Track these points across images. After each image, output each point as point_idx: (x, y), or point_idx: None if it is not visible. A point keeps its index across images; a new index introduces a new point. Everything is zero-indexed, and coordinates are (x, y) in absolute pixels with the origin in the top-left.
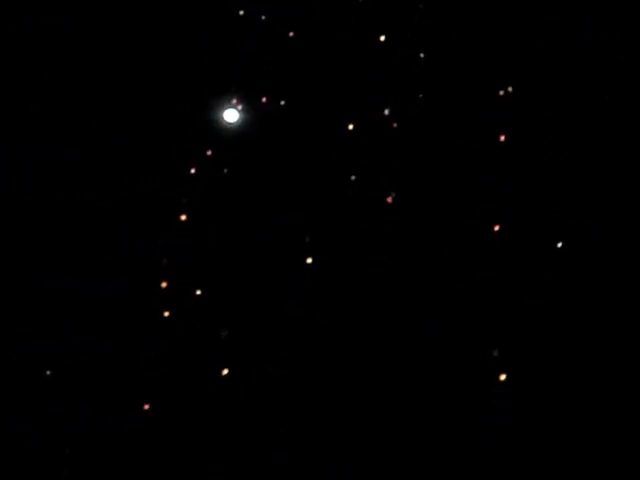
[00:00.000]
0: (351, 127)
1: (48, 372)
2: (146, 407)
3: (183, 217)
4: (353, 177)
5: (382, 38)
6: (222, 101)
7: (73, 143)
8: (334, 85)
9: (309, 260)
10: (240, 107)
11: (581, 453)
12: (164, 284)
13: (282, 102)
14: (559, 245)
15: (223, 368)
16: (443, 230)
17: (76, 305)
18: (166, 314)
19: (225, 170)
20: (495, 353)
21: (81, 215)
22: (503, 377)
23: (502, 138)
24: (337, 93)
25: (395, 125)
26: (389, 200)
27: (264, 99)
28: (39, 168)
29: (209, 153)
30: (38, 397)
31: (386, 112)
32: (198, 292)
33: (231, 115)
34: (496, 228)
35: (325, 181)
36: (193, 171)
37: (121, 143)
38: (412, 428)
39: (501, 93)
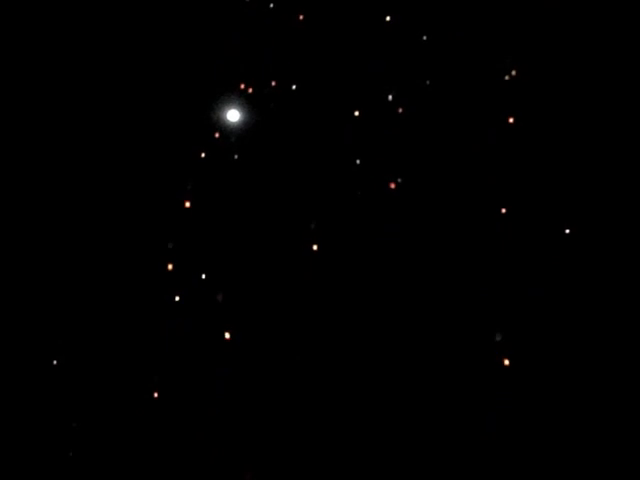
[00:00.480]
0: (357, 113)
1: (55, 362)
2: (155, 395)
3: (187, 204)
4: (358, 161)
5: (387, 18)
6: (229, 87)
7: (77, 138)
8: (339, 71)
9: (315, 247)
10: (250, 91)
11: (584, 438)
12: (170, 267)
13: (290, 88)
14: (567, 231)
15: (227, 355)
16: (447, 216)
17: (80, 293)
18: (169, 298)
19: (230, 156)
20: (498, 338)
21: (86, 206)
22: (507, 362)
23: (510, 120)
24: (342, 79)
25: (400, 110)
26: (392, 186)
27: (273, 83)
28: (43, 156)
29: (216, 137)
30: (45, 384)
31: (390, 97)
32: (203, 276)
33: (234, 115)
34: (503, 211)
35: (330, 168)
36: (201, 156)
37: (127, 132)
38: (415, 413)
39: (506, 78)
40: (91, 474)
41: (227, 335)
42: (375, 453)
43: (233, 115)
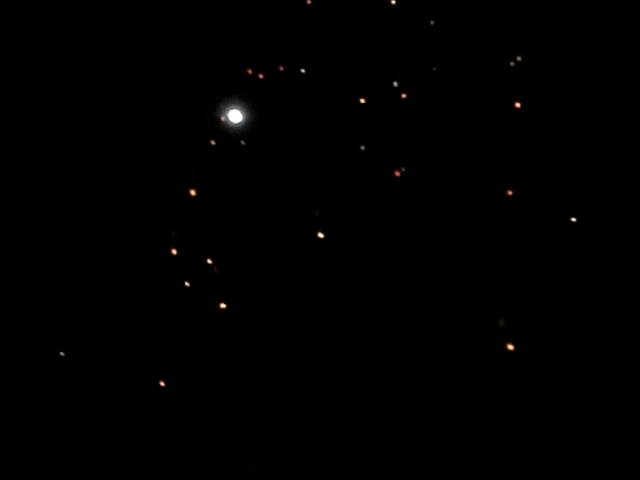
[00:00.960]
0: (363, 101)
1: (62, 353)
2: (162, 384)
3: (192, 192)
4: (362, 147)
5: (392, 2)
6: (235, 73)
7: (84, 126)
8: (345, 58)
9: (320, 235)
10: (256, 76)
11: (587, 423)
12: (174, 252)
13: (295, 74)
14: (573, 220)
15: (232, 341)
16: (451, 201)
17: (85, 282)
18: (174, 283)
19: (236, 142)
20: (502, 323)
21: (93, 195)
22: (511, 347)
23: (517, 105)
24: (347, 65)
25: (404, 96)
26: (397, 174)
27: (281, 68)
28: (47, 144)
29: (221, 122)
30: (52, 374)
31: (395, 84)
32: (209, 261)
33: (240, 101)
34: (509, 194)
35: (335, 156)
36: (207, 142)
37: (133, 120)
38: (418, 397)
39: (512, 64)
40: (97, 462)
41: (224, 306)
42: (377, 432)
43: (239, 101)
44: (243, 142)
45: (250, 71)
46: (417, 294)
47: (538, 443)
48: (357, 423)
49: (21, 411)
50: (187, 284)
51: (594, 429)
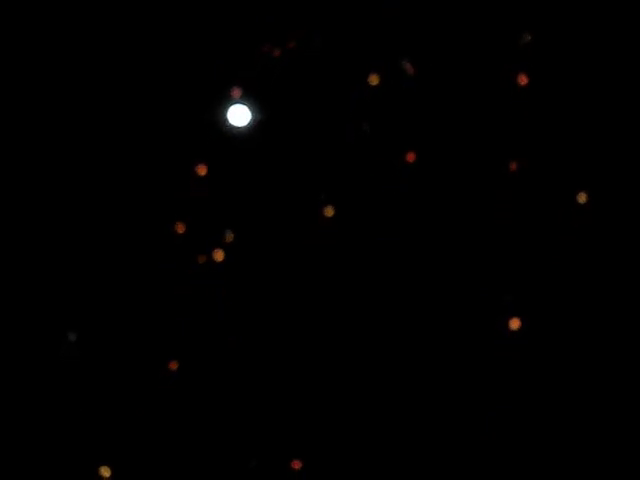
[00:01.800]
0: (375, 82)
1: (72, 337)
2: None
3: (203, 172)
4: (369, 129)
5: None
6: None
7: (94, 104)
8: (355, 37)
9: (330, 212)
10: (275, 54)
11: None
12: (181, 229)
13: (305, 53)
14: (581, 201)
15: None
16: (459, 180)
17: (92, 263)
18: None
19: (242, 124)
20: (507, 298)
21: (103, 175)
22: (516, 323)
23: (524, 81)
24: (357, 44)
25: (412, 73)
26: (411, 158)
27: (292, 45)
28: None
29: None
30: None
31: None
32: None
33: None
34: (513, 167)
35: (345, 139)
36: (216, 121)
37: (142, 99)
38: (421, 373)
39: (521, 44)
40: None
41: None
42: (377, 421)
43: (249, 81)
44: (253, 119)
45: (261, 49)
46: (423, 274)
47: (539, 438)
48: (357, 409)
49: (24, 399)
50: (200, 260)
51: (595, 423)
